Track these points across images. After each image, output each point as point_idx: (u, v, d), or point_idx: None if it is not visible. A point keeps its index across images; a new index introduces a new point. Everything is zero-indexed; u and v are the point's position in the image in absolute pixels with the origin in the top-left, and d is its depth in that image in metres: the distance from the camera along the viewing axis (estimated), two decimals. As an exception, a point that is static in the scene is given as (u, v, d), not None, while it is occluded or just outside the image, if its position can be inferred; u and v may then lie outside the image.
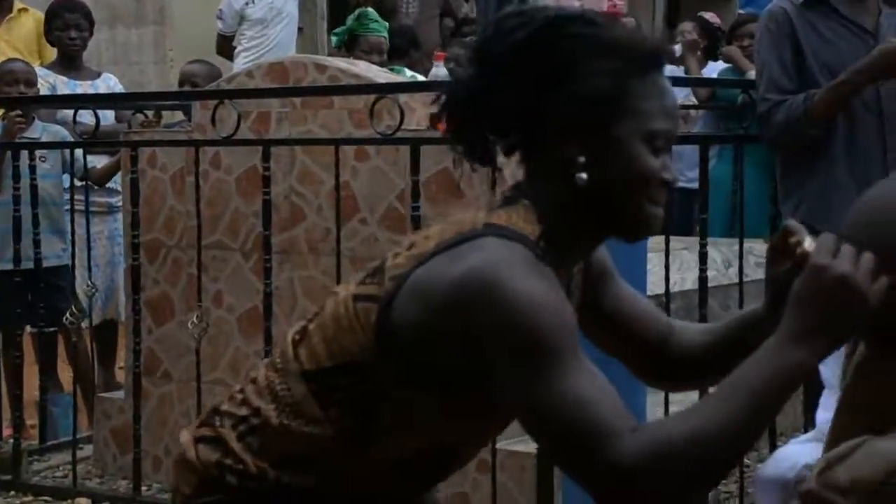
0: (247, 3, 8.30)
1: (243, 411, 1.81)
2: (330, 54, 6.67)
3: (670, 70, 5.46)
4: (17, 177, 4.85)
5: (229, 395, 1.88)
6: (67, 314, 5.01)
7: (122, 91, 6.44)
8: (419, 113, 4.28)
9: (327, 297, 1.84)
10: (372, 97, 3.98)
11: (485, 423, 1.87)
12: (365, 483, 1.86)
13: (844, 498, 1.68)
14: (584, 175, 1.71)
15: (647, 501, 1.60)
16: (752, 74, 4.48)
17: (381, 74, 4.76)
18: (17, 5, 7.54)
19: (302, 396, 1.78)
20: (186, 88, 5.97)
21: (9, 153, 5.01)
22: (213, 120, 4.24)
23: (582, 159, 1.71)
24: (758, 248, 4.47)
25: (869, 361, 1.82)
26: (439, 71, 5.52)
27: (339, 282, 4.02)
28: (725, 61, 7.75)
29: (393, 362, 1.71)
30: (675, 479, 1.56)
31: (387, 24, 6.53)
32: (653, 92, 1.76)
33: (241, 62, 8.28)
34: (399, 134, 3.90)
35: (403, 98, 4.05)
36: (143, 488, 4.54)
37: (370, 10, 6.61)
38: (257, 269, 4.33)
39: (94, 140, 4.90)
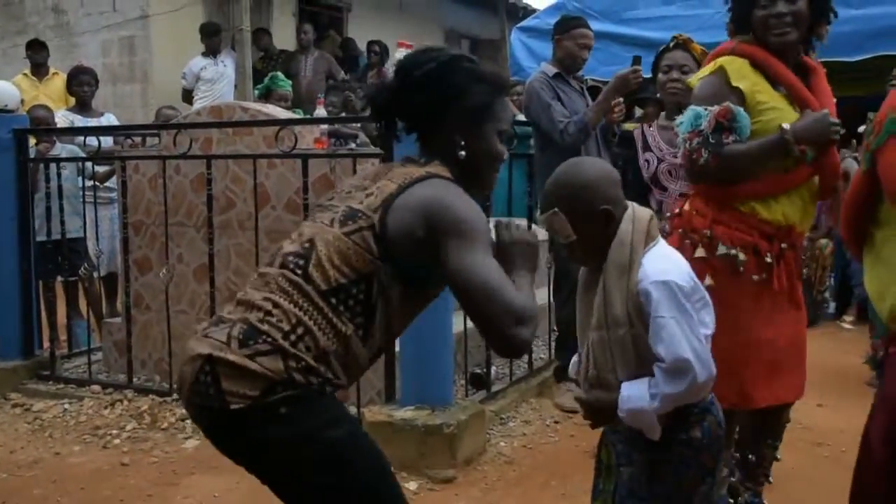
0: (202, 68, 8.05)
1: (286, 326, 1.65)
2: (255, 102, 6.40)
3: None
4: (48, 179, 4.66)
5: (256, 320, 1.66)
6: (83, 269, 4.83)
7: (117, 124, 6.07)
8: (308, 138, 4.14)
9: (303, 247, 1.73)
10: (277, 128, 3.82)
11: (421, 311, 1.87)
12: (358, 373, 1.81)
13: None
14: (462, 153, 1.82)
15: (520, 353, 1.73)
16: (521, 117, 4.42)
17: (283, 113, 4.61)
18: (52, 70, 7.19)
19: (326, 307, 1.68)
20: (157, 122, 5.69)
21: (41, 164, 4.70)
22: (174, 142, 4.02)
23: (462, 143, 1.81)
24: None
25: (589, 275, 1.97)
26: (320, 111, 5.40)
27: (257, 247, 3.88)
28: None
29: (389, 266, 1.70)
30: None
31: (290, 81, 6.32)
32: (503, 106, 1.88)
33: (196, 106, 8.00)
34: (295, 151, 3.74)
35: (297, 128, 3.90)
36: (134, 379, 4.38)
37: (279, 73, 6.40)
38: (205, 238, 4.16)
39: (98, 156, 4.65)
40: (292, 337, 1.65)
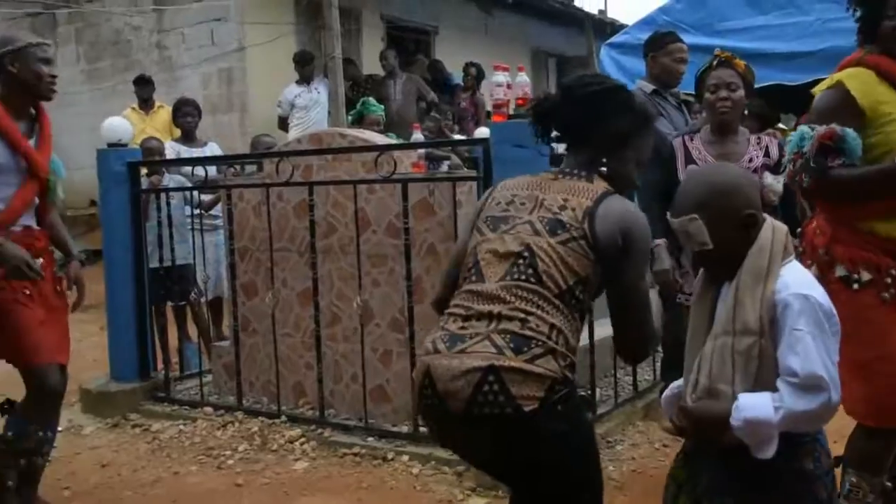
0: (296, 96, 8.28)
1: (545, 329, 1.84)
2: (348, 127, 6.54)
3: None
4: (158, 209, 4.85)
5: (517, 328, 1.83)
6: (193, 293, 4.95)
7: (221, 154, 6.29)
8: (405, 162, 4.21)
9: (523, 257, 1.91)
10: (375, 153, 3.90)
11: None
12: None
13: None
14: (604, 169, 2.03)
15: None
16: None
17: (381, 139, 4.68)
18: (157, 103, 7.51)
19: (564, 307, 1.87)
20: (259, 151, 5.86)
21: (152, 194, 4.93)
22: (277, 170, 4.14)
23: (604, 161, 2.04)
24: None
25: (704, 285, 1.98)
26: (417, 136, 5.48)
27: (360, 271, 3.96)
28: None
29: (599, 266, 1.91)
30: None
31: (382, 106, 6.42)
32: (646, 139, 2.09)
33: (292, 134, 8.27)
34: (395, 176, 3.83)
35: (396, 153, 3.96)
36: (243, 401, 4.51)
37: (371, 98, 6.52)
38: (308, 263, 4.26)
39: (205, 185, 4.81)
40: (553, 337, 1.84)
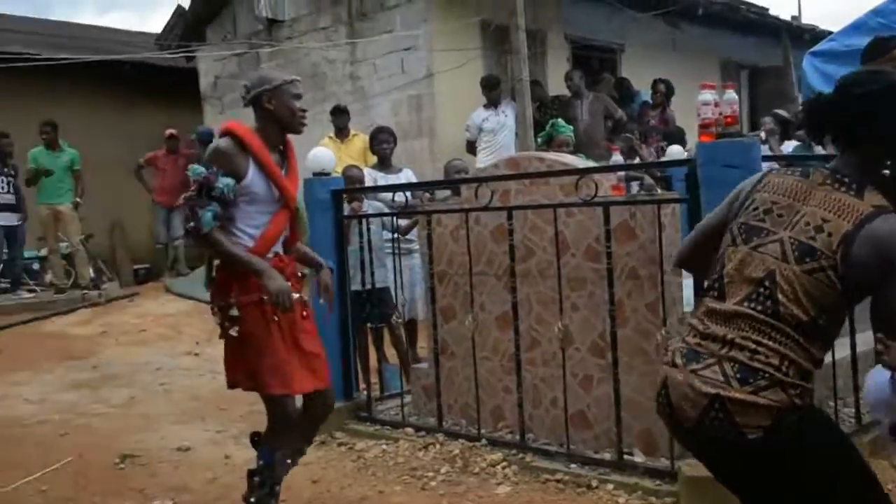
0: (483, 120, 8.41)
1: (775, 361, 1.84)
2: (537, 149, 6.57)
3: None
4: (360, 234, 5.00)
5: (745, 359, 1.85)
6: (395, 316, 5.10)
7: (416, 181, 6.48)
8: (605, 185, 4.16)
9: (763, 286, 1.88)
10: (575, 177, 3.88)
11: None
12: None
13: None
14: (886, 172, 1.91)
15: None
16: (818, 150, 4.16)
17: (579, 162, 4.66)
18: (352, 132, 7.85)
19: (801, 338, 1.85)
20: (457, 177, 5.97)
21: (353, 220, 5.15)
22: (476, 195, 4.21)
23: (889, 163, 1.91)
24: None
25: None
26: (617, 157, 5.40)
27: (560, 296, 3.95)
28: (798, 141, 7.29)
29: (845, 297, 1.86)
30: None
31: (570, 127, 6.39)
32: None
33: (480, 157, 8.39)
34: (596, 199, 3.81)
35: (595, 176, 3.93)
36: (443, 423, 4.58)
37: (560, 119, 6.51)
38: (506, 287, 4.28)
39: (404, 210, 4.95)
40: (783, 369, 1.83)
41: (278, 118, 3.31)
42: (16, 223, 9.70)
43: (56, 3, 39.47)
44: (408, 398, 5.04)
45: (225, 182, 3.14)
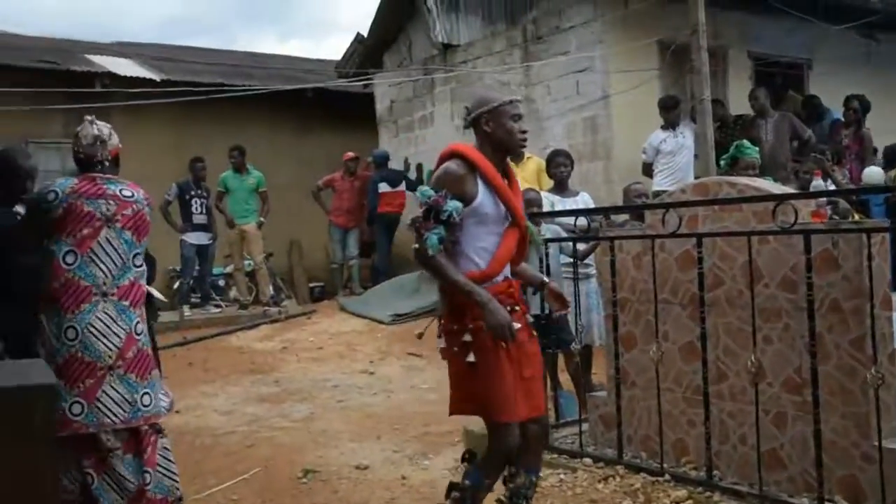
0: (661, 141, 8.23)
1: None
2: (719, 172, 6.34)
3: None
4: (539, 258, 4.96)
5: None
6: (574, 343, 5.04)
7: (593, 204, 6.41)
8: (804, 211, 3.94)
9: None
10: (772, 203, 3.71)
11: None
12: None
13: None
14: None
15: None
16: None
17: (774, 187, 4.45)
18: (526, 154, 7.86)
19: None
20: (638, 202, 5.86)
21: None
22: (663, 221, 4.10)
23: None
24: None
25: None
26: (818, 183, 5.13)
27: (754, 326, 3.77)
28: None
29: None
30: None
31: (756, 148, 6.11)
32: None
33: (657, 180, 8.21)
34: (796, 227, 3.61)
35: (794, 202, 3.74)
36: (623, 455, 4.46)
37: (744, 141, 6.25)
38: (691, 316, 4.14)
39: (586, 235, 4.90)
40: None
41: (497, 139, 3.29)
42: (207, 242, 10.39)
43: (240, 35, 42.22)
44: (584, 426, 4.95)
45: (453, 205, 3.15)
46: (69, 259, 3.49)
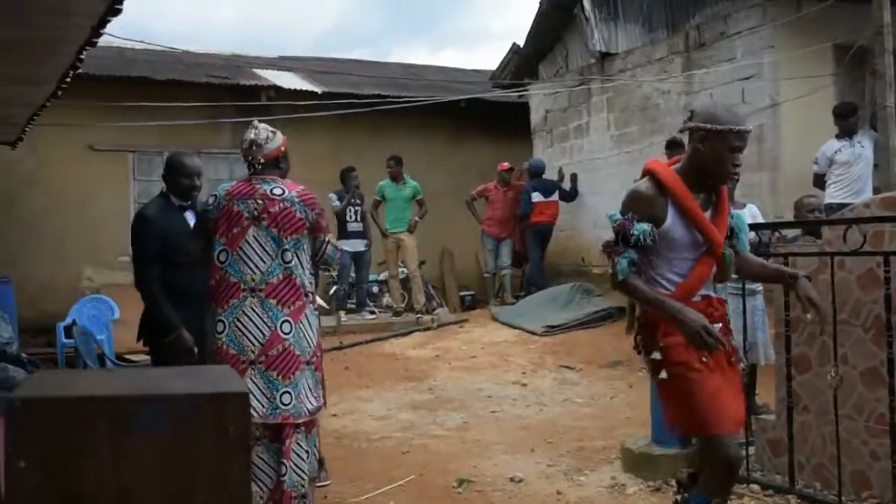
0: (836, 151, 7.80)
1: None
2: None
3: None
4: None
5: None
6: (743, 363, 4.87)
7: (762, 219, 6.15)
8: None
9: None
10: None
11: None
12: None
13: None
14: None
15: None
16: None
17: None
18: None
19: None
20: (812, 217, 5.59)
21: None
22: (843, 237, 3.88)
23: None
24: None
25: None
26: None
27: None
28: None
29: None
30: None
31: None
32: None
33: (830, 191, 7.80)
34: None
35: None
36: (795, 483, 4.26)
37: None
38: (875, 340, 3.90)
39: (757, 251, 4.66)
40: None
41: (704, 162, 3.11)
42: (362, 249, 10.70)
43: (394, 46, 43.36)
44: (750, 450, 4.75)
45: (641, 228, 3.08)
46: (222, 257, 3.74)
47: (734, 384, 3.21)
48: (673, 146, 7.95)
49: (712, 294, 3.26)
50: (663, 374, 3.10)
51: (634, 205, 3.13)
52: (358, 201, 10.68)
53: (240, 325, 3.66)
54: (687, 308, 3.03)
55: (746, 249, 3.41)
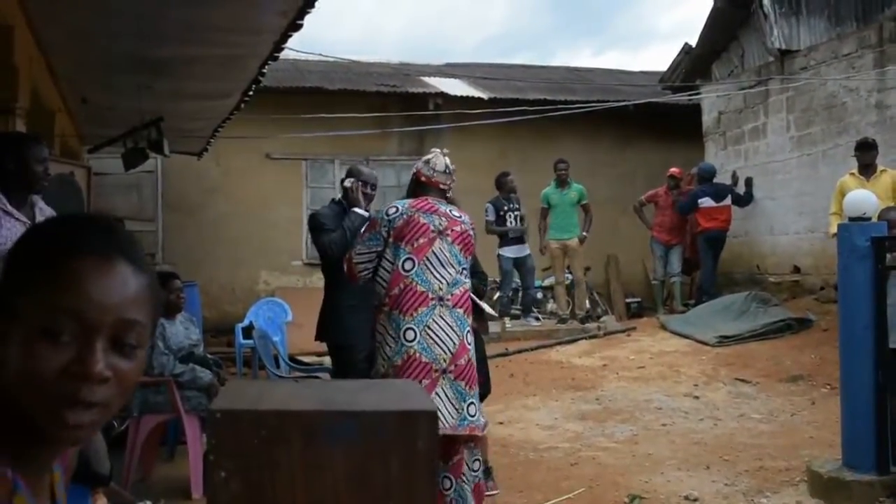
0: None
1: None
2: None
3: None
4: None
5: None
6: None
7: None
8: None
9: None
10: None
11: None
12: None
13: None
14: None
15: None
16: None
17: None
18: (879, 168, 7.14)
19: None
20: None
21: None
22: None
23: None
24: None
25: None
26: None
27: None
28: None
29: None
30: None
31: None
32: None
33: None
34: None
35: None
36: None
37: None
38: None
39: None
40: None
41: None
42: (524, 254, 10.62)
43: (557, 49, 43.12)
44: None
45: None
46: (407, 266, 3.78)
47: None
48: (864, 147, 7.43)
49: None
50: None
51: None
52: (516, 206, 10.60)
53: (430, 334, 3.69)
54: None
55: None
